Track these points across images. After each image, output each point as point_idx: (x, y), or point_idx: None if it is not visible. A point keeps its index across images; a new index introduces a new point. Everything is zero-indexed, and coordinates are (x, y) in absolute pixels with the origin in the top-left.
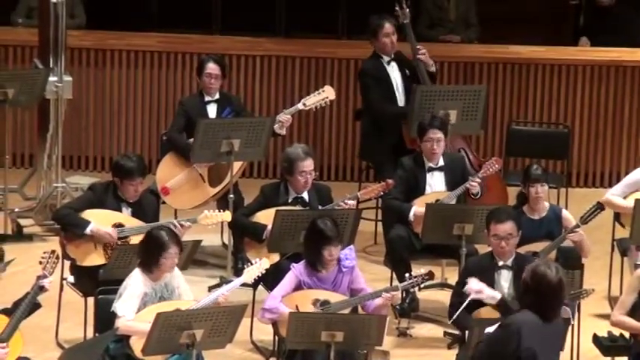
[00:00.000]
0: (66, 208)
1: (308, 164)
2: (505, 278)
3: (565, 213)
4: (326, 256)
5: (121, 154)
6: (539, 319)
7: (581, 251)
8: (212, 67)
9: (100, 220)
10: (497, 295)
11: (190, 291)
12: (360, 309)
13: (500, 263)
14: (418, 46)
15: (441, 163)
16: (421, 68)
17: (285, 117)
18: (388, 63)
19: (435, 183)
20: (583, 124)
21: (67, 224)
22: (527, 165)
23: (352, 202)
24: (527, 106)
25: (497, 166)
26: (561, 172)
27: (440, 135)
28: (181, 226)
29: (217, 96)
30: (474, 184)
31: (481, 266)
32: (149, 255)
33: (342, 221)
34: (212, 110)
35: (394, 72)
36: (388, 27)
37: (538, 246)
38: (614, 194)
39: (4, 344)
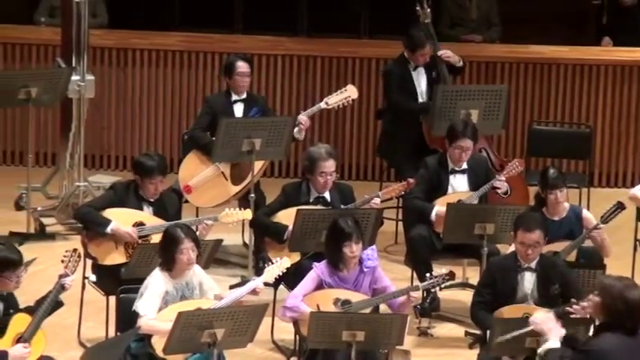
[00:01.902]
0: (86, 206)
1: (329, 165)
2: (528, 280)
3: (585, 213)
4: (347, 253)
5: (142, 152)
6: (623, 336)
7: (602, 251)
8: (243, 66)
9: (120, 219)
10: (561, 332)
11: (217, 287)
12: (384, 307)
13: (524, 265)
14: (440, 49)
15: (465, 165)
16: (443, 69)
17: (303, 118)
18: (415, 69)
19: (458, 184)
20: (605, 124)
21: (88, 222)
22: (543, 168)
23: (378, 201)
24: (549, 106)
25: (520, 167)
26: (583, 172)
27: (470, 144)
28: (205, 225)
29: (244, 95)
30: (500, 184)
31: (504, 267)
32: (165, 252)
33: (363, 221)
34: (239, 110)
35: (419, 77)
36: (427, 50)
37: (559, 246)
38: None
39: (27, 344)
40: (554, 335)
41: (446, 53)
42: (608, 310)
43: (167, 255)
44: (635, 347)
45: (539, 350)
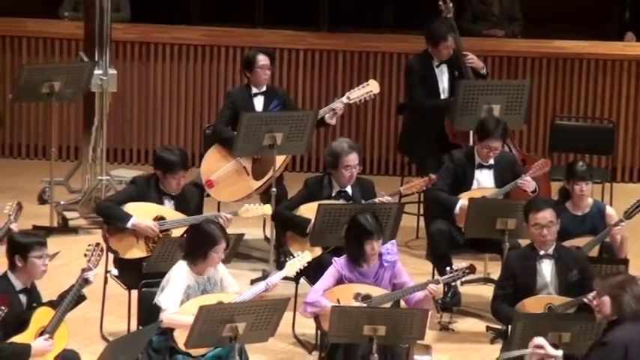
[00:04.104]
0: (108, 201)
1: (353, 158)
2: (547, 268)
3: (608, 209)
4: (368, 251)
5: (162, 146)
6: (637, 323)
7: (619, 249)
8: (264, 59)
9: (141, 213)
10: (559, 354)
11: (236, 283)
12: (402, 302)
13: (542, 252)
14: (464, 52)
15: (491, 161)
16: (468, 71)
17: (339, 105)
18: (437, 65)
19: (483, 179)
20: (628, 119)
21: (109, 217)
22: (571, 161)
23: (390, 199)
24: (572, 101)
25: (546, 167)
26: (606, 168)
27: (499, 145)
28: (225, 219)
29: (264, 88)
30: (527, 183)
31: (522, 257)
32: (198, 248)
33: (384, 216)
34: (259, 103)
35: (442, 74)
36: (451, 41)
37: (581, 241)
38: None
39: (49, 336)
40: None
41: (469, 56)
42: (616, 303)
43: (199, 252)
44: None
45: None
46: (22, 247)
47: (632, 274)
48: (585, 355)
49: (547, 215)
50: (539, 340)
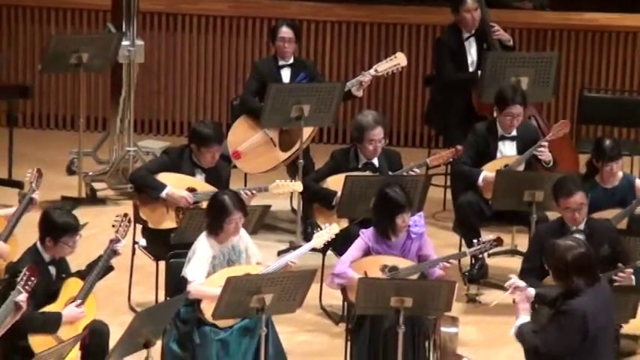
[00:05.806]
0: (143, 169)
1: (378, 132)
2: None
3: (638, 181)
4: (399, 224)
5: (197, 121)
6: (592, 289)
7: None
8: (285, 31)
9: (173, 184)
10: (532, 293)
11: (259, 252)
12: None
13: (573, 228)
14: (491, 23)
15: (514, 132)
16: (495, 44)
17: (367, 77)
18: (467, 38)
19: (507, 151)
20: None
21: (144, 186)
22: (598, 137)
23: (419, 171)
24: (601, 74)
25: (566, 128)
26: (635, 140)
27: (520, 110)
28: (251, 193)
29: (291, 60)
30: (542, 150)
31: (552, 232)
32: (214, 219)
33: (411, 187)
34: (286, 75)
35: (472, 48)
36: (470, 3)
37: (611, 213)
38: None
39: (80, 302)
40: (523, 313)
41: (495, 27)
42: (557, 273)
43: (215, 222)
44: (605, 306)
45: (510, 333)
46: (55, 229)
47: (581, 243)
48: (546, 325)
49: (578, 199)
50: (518, 281)
